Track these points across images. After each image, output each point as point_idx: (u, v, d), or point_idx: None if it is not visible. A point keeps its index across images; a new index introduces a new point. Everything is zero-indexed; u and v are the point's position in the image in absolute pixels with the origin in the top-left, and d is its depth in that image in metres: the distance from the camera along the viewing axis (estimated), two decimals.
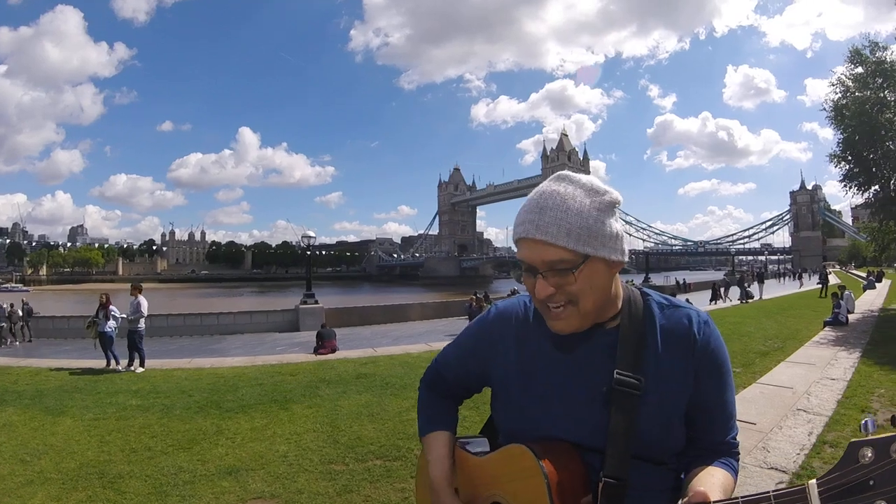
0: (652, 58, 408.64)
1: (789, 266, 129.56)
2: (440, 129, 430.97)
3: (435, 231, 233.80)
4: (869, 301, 28.42)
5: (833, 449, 5.65)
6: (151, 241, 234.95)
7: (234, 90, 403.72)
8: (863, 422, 0.96)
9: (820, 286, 35.72)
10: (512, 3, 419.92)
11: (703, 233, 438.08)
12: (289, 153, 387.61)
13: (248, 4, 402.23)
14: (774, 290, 45.58)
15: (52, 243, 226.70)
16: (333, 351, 15.99)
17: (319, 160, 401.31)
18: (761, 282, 37.97)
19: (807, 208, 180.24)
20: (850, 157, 23.47)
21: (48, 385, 10.81)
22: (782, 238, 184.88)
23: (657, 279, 69.38)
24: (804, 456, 5.56)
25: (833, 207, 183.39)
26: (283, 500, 4.94)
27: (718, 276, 68.30)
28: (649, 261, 68.45)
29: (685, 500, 1.11)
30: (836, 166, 24.24)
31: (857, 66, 23.20)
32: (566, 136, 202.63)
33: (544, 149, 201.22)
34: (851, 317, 18.61)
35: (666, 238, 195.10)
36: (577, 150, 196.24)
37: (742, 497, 1.01)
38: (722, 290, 36.98)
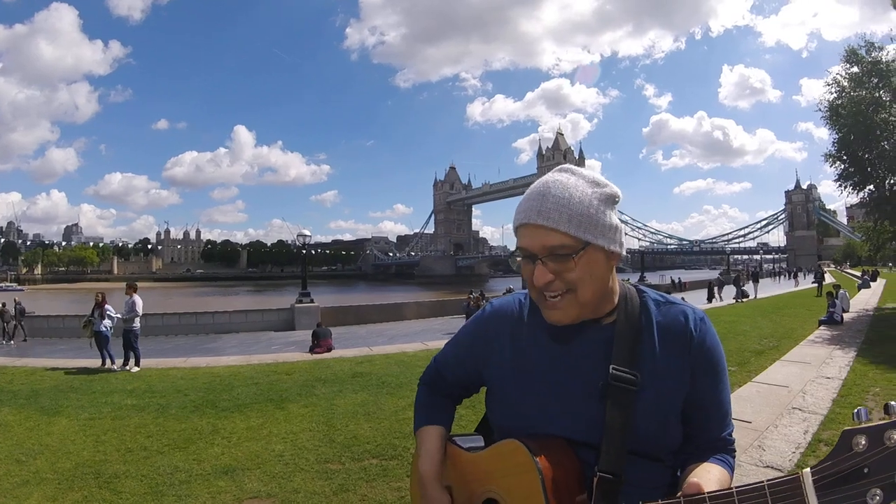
0: (647, 57, 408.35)
1: (784, 265, 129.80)
2: (436, 128, 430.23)
3: (431, 230, 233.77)
4: (864, 300, 28.58)
5: (829, 447, 5.66)
6: (146, 240, 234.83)
7: (230, 88, 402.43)
8: (856, 410, 0.96)
9: (815, 285, 35.82)
10: (507, 3, 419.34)
11: (699, 232, 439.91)
12: (284, 152, 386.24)
13: (244, 2, 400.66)
14: (770, 289, 45.75)
15: (46, 242, 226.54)
16: (329, 350, 16.00)
17: (315, 159, 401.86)
18: (756, 281, 38.11)
19: (802, 208, 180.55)
20: (845, 157, 23.48)
21: (43, 385, 10.79)
22: (777, 237, 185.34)
23: (653, 278, 69.65)
24: (800, 454, 5.58)
25: (828, 207, 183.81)
26: (280, 499, 4.94)
27: (714, 275, 68.42)
28: (645, 260, 68.71)
29: (680, 492, 1.11)
30: (831, 166, 24.24)
31: (852, 66, 23.21)
32: (562, 135, 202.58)
33: (540, 148, 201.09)
34: (846, 316, 18.66)
35: (661, 237, 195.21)
36: (572, 149, 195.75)
37: (736, 487, 1.01)
38: (716, 289, 36.98)
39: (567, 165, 1.41)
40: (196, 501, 4.93)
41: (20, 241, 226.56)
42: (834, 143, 23.77)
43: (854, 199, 26.48)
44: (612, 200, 1.36)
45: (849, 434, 0.92)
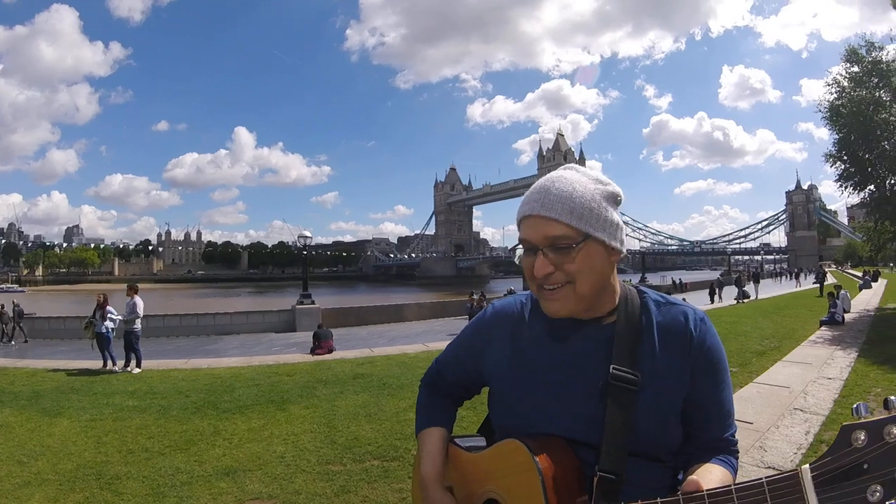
0: (648, 58, 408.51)
1: (785, 266, 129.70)
2: (436, 129, 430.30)
3: (431, 231, 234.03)
4: (865, 300, 28.54)
5: None
6: (147, 242, 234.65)
7: (230, 90, 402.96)
8: (855, 406, 0.95)
9: (817, 285, 35.78)
10: (507, 3, 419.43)
11: (700, 233, 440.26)
12: (285, 153, 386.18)
13: (244, 3, 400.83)
14: (771, 289, 45.71)
15: (47, 244, 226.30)
16: (330, 351, 15.97)
17: (315, 160, 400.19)
18: (757, 281, 38.05)
19: (802, 208, 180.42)
20: (845, 157, 23.49)
21: (45, 386, 10.80)
22: (778, 238, 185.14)
23: (653, 279, 69.52)
24: (801, 455, 5.58)
25: (829, 207, 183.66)
26: (281, 500, 4.95)
27: (715, 275, 68.35)
28: (646, 261, 68.53)
29: (680, 489, 1.11)
30: (831, 166, 24.26)
31: (853, 66, 23.21)
32: (562, 135, 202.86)
33: (540, 149, 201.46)
34: (847, 316, 18.64)
35: (662, 238, 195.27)
36: (573, 150, 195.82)
37: (735, 484, 1.01)
38: (716, 289, 36.87)
39: (571, 164, 1.45)
40: (197, 503, 4.94)
41: (21, 243, 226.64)
42: (834, 143, 23.81)
43: (855, 199, 26.53)
44: (614, 198, 1.39)
45: (848, 429, 0.92)
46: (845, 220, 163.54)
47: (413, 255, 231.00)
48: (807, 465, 0.94)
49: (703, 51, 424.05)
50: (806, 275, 69.57)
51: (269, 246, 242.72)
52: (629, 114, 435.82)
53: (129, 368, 13.09)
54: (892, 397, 0.91)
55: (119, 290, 17.38)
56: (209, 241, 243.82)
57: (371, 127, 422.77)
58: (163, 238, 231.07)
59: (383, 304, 37.06)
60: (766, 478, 0.96)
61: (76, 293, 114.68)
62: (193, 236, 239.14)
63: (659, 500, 1.09)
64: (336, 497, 4.98)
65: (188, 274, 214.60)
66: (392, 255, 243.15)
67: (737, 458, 1.42)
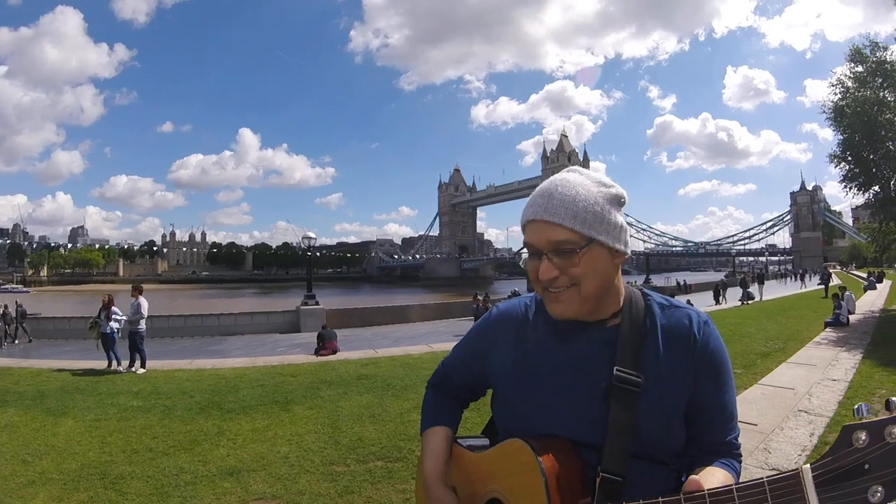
0: (651, 59, 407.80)
1: (790, 267, 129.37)
2: (440, 131, 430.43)
3: (435, 232, 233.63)
4: (870, 302, 28.43)
5: None
6: (152, 242, 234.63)
7: (235, 92, 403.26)
8: (856, 406, 0.96)
9: (822, 287, 35.70)
10: (510, 4, 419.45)
11: (704, 234, 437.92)
12: (289, 154, 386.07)
13: (249, 6, 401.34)
14: (776, 290, 45.61)
15: (52, 244, 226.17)
16: (334, 352, 15.96)
17: (320, 161, 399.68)
18: (761, 283, 37.94)
19: (807, 209, 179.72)
20: (849, 158, 23.48)
21: (49, 386, 10.82)
22: (783, 239, 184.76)
23: (658, 280, 69.45)
24: (805, 457, 5.57)
25: (833, 208, 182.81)
26: (285, 500, 4.95)
27: (719, 277, 68.17)
28: (650, 262, 68.38)
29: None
30: (836, 167, 24.28)
31: (857, 65, 23.19)
32: (566, 137, 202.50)
33: (544, 150, 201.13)
34: (852, 317, 18.61)
35: (666, 239, 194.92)
36: (577, 151, 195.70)
37: (736, 484, 1.01)
38: (721, 291, 36.68)
39: (574, 167, 1.45)
40: (201, 502, 4.95)
41: (26, 243, 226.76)
42: (839, 144, 23.83)
43: (859, 200, 26.46)
44: (617, 201, 1.39)
45: (849, 429, 0.92)
46: (850, 221, 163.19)
47: (417, 256, 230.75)
48: (807, 465, 0.94)
49: (707, 51, 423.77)
50: (811, 276, 69.39)
51: (274, 247, 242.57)
52: (633, 115, 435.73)
53: (133, 369, 13.12)
54: (894, 398, 0.91)
55: (124, 291, 17.40)
56: (214, 242, 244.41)
57: (375, 128, 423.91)
58: (167, 239, 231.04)
59: (387, 305, 37.07)
60: (766, 477, 0.97)
61: (81, 294, 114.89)
62: (198, 237, 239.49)
63: (660, 499, 1.09)
64: (340, 497, 4.98)
65: (193, 275, 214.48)
66: (396, 257, 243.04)
67: (740, 462, 1.42)
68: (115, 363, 13.51)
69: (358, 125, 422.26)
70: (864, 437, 0.89)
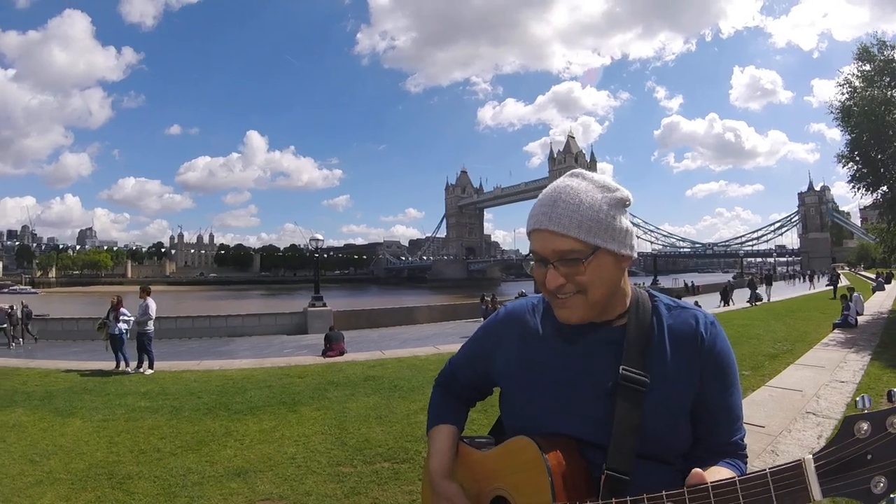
0: (658, 59, 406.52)
1: (798, 268, 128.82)
2: (447, 132, 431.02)
3: (442, 234, 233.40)
4: (878, 303, 28.33)
5: None
6: (160, 244, 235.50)
7: (242, 94, 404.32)
8: (858, 398, 0.96)
9: (830, 287, 35.55)
10: (515, 6, 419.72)
11: (712, 234, 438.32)
12: (296, 156, 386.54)
13: (256, 9, 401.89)
14: (784, 291, 45.46)
15: (61, 246, 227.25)
16: (341, 353, 15.97)
17: (327, 163, 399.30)
18: (769, 284, 37.81)
19: (815, 210, 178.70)
20: (857, 158, 23.37)
21: (58, 386, 10.86)
22: (791, 240, 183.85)
23: (665, 281, 69.13)
24: None
25: (842, 208, 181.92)
26: (291, 501, 4.96)
27: (727, 278, 67.90)
28: (657, 263, 67.94)
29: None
30: (843, 167, 24.15)
31: (865, 64, 23.08)
32: (573, 138, 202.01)
33: (551, 151, 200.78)
34: (860, 319, 18.49)
35: (674, 240, 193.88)
36: (583, 152, 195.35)
37: (739, 476, 1.02)
38: (728, 292, 36.36)
39: (578, 170, 1.44)
40: (208, 503, 4.96)
41: (35, 245, 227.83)
42: (846, 144, 23.70)
43: (868, 200, 26.34)
44: (622, 204, 1.39)
45: (851, 420, 0.93)
46: (858, 222, 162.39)
47: (424, 257, 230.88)
48: (810, 456, 0.95)
49: (714, 52, 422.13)
50: (819, 277, 69.14)
51: (281, 249, 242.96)
52: (640, 115, 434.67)
53: (141, 369, 13.16)
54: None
55: (132, 292, 17.48)
56: (221, 244, 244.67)
57: (382, 130, 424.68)
58: (175, 241, 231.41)
59: (394, 306, 36.96)
60: (769, 469, 0.97)
61: (89, 295, 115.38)
62: (206, 239, 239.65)
63: (664, 493, 1.10)
64: (346, 498, 4.99)
65: (200, 276, 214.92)
66: (403, 258, 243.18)
67: (745, 463, 1.42)
68: (123, 364, 13.57)
69: (365, 127, 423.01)
70: (866, 428, 0.90)
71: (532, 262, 1.41)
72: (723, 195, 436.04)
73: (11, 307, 24.15)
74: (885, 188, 24.01)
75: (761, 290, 35.32)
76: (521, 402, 1.48)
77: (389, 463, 5.89)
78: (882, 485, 0.88)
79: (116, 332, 13.88)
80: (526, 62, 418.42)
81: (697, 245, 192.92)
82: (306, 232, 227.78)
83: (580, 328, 1.42)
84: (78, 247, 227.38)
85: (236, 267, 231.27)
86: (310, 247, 33.45)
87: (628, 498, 1.17)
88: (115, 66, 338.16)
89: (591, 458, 1.33)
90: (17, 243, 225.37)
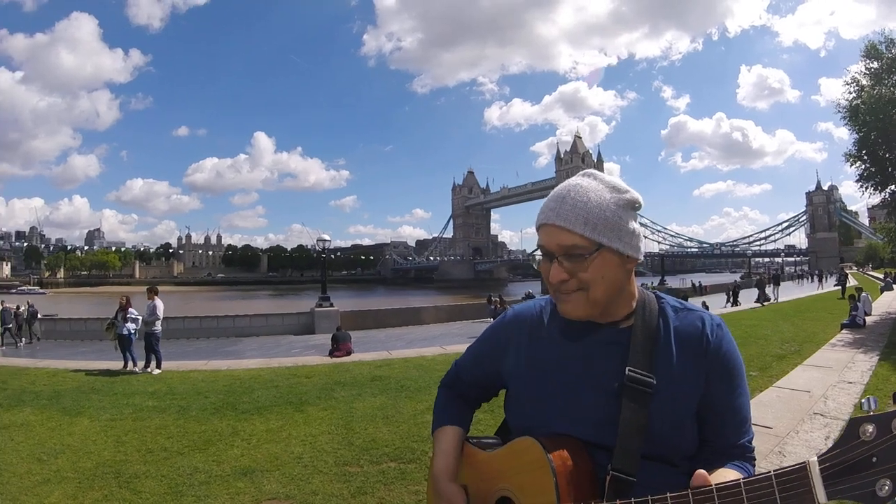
0: (665, 59, 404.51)
1: (806, 268, 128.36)
2: (453, 133, 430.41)
3: (449, 234, 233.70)
4: (886, 303, 28.20)
5: None
6: (168, 245, 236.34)
7: (250, 95, 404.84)
8: (863, 399, 0.96)
9: (838, 288, 35.41)
10: (522, 6, 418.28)
11: (719, 234, 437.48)
12: (303, 157, 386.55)
13: (262, 10, 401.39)
14: (792, 291, 45.31)
15: (69, 247, 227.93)
16: (348, 353, 16.00)
17: (334, 164, 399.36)
18: (777, 284, 37.65)
19: (823, 209, 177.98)
20: (865, 157, 23.22)
21: (65, 386, 10.91)
22: (799, 239, 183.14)
23: (673, 281, 69.13)
24: None
25: (850, 208, 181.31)
26: (298, 501, 4.97)
27: (735, 278, 67.73)
28: (665, 263, 68.00)
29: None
30: (851, 166, 24.00)
31: (872, 61, 22.96)
32: (580, 138, 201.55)
33: (558, 151, 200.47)
34: (869, 319, 18.41)
35: (681, 240, 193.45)
36: (590, 152, 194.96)
37: (744, 478, 1.01)
38: (731, 293, 36.20)
39: (590, 171, 1.45)
40: (215, 502, 4.97)
41: (43, 246, 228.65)
42: (854, 143, 23.55)
43: (876, 199, 26.21)
44: (631, 206, 1.40)
45: (856, 422, 0.92)
46: (866, 221, 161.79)
47: (431, 258, 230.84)
48: (814, 458, 0.94)
49: (721, 51, 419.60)
50: (827, 277, 68.88)
51: (289, 249, 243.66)
52: (647, 115, 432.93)
53: (149, 369, 13.21)
54: None
55: (140, 293, 17.50)
56: (229, 245, 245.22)
57: (389, 131, 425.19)
58: (183, 241, 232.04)
59: (401, 306, 37.05)
60: (774, 471, 0.97)
61: (97, 295, 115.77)
62: (213, 240, 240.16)
63: (668, 494, 1.09)
64: (353, 498, 4.99)
65: (208, 277, 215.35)
66: (410, 259, 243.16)
67: (753, 465, 1.42)
68: (130, 364, 13.61)
69: (372, 128, 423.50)
70: (871, 430, 0.90)
71: (539, 258, 1.43)
72: (730, 195, 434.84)
73: (18, 307, 24.31)
74: (893, 187, 23.90)
75: (769, 290, 35.13)
76: (527, 403, 1.48)
77: (396, 463, 5.89)
78: (887, 488, 0.87)
79: (125, 332, 13.93)
80: (532, 62, 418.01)
81: (705, 245, 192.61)
82: (313, 232, 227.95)
83: (587, 329, 1.43)
84: (86, 247, 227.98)
85: (244, 267, 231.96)
86: (317, 247, 33.61)
87: (633, 499, 1.17)
88: (123, 68, 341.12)
89: (597, 459, 1.33)
90: (25, 244, 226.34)
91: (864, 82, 22.93)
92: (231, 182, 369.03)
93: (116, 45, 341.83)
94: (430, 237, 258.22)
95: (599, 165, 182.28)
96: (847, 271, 56.30)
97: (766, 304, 31.78)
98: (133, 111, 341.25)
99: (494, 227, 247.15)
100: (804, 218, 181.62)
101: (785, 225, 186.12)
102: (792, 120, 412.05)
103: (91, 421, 8.06)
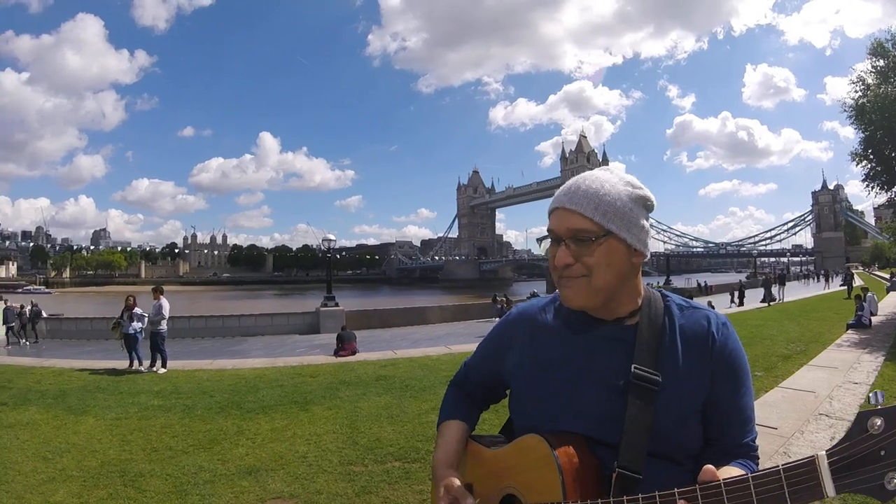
0: (670, 58, 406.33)
1: (811, 268, 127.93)
2: (458, 133, 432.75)
3: (454, 234, 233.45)
4: (892, 303, 28.12)
5: None
6: (173, 245, 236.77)
7: (254, 96, 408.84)
8: (871, 393, 0.96)
9: (844, 287, 35.27)
10: (527, 6, 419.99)
11: (725, 234, 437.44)
12: (309, 157, 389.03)
13: (267, 11, 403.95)
14: (798, 291, 45.17)
15: (75, 246, 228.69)
16: (353, 353, 16.00)
17: (339, 164, 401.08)
18: (783, 284, 37.51)
19: (829, 209, 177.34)
20: (871, 156, 23.15)
21: (71, 385, 10.94)
22: (805, 239, 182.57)
23: (678, 281, 68.84)
24: None
25: (855, 207, 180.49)
26: (302, 500, 4.97)
27: (740, 278, 67.53)
28: (670, 263, 67.65)
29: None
30: (857, 165, 23.95)
31: (879, 59, 22.86)
32: (585, 137, 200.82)
33: (563, 151, 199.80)
34: (875, 319, 18.35)
35: (687, 240, 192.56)
36: (596, 151, 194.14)
37: (752, 473, 1.01)
38: (736, 293, 35.81)
39: (607, 167, 1.50)
40: (220, 501, 4.98)
41: (49, 246, 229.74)
42: (860, 142, 23.49)
43: (882, 198, 26.11)
44: (643, 203, 1.42)
45: (864, 416, 0.92)
46: (872, 221, 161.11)
47: (436, 257, 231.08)
48: (823, 452, 0.94)
49: (726, 50, 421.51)
50: (833, 277, 68.67)
51: (294, 249, 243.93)
52: (652, 114, 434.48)
53: (154, 368, 13.26)
54: None
55: (145, 292, 17.55)
56: (234, 245, 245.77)
57: (394, 131, 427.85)
58: (189, 241, 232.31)
59: (406, 306, 36.92)
60: (782, 465, 0.97)
61: (103, 295, 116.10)
62: (219, 239, 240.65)
63: (676, 490, 1.09)
64: (357, 497, 5.00)
65: (214, 276, 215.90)
66: (415, 258, 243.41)
67: (757, 464, 1.41)
68: (136, 363, 13.66)
69: (377, 128, 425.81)
70: (879, 423, 0.89)
71: (547, 243, 1.43)
72: (736, 194, 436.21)
73: (22, 306, 24.40)
74: None
75: (774, 289, 34.99)
76: (531, 401, 1.48)
77: (400, 462, 5.89)
78: None
79: (131, 332, 13.95)
80: (537, 62, 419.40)
81: (710, 245, 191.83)
82: (319, 232, 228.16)
83: (591, 326, 1.43)
84: (92, 247, 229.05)
85: (249, 267, 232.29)
86: (322, 247, 33.54)
87: (640, 496, 1.17)
88: (128, 68, 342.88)
89: (602, 456, 1.33)
90: (31, 244, 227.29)
91: (870, 81, 22.84)
92: (236, 182, 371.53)
93: (122, 45, 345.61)
94: (435, 237, 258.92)
95: (604, 165, 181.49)
96: (853, 271, 56.17)
97: (772, 304, 31.67)
98: (139, 112, 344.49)
99: (499, 227, 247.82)
100: (810, 217, 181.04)
101: (790, 224, 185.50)
102: (797, 119, 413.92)
103: (96, 420, 8.09)
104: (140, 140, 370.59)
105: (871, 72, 22.99)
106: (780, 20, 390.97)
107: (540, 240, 1.47)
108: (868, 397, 0.96)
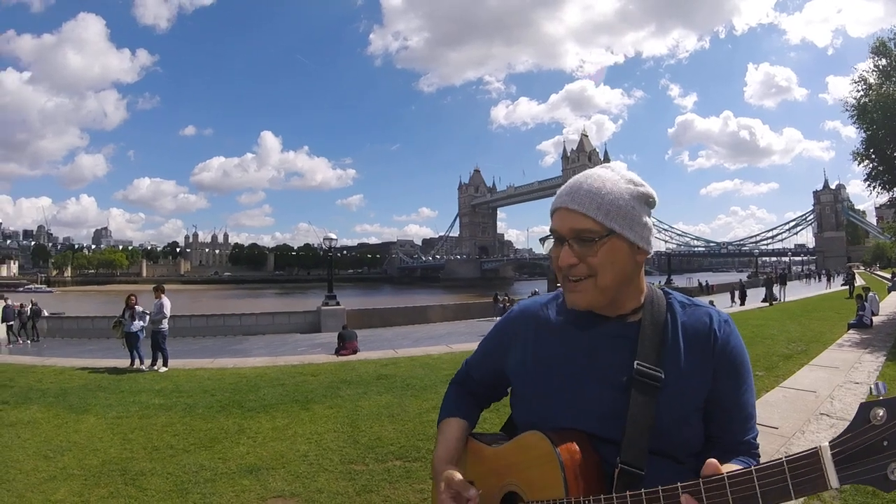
0: (672, 57, 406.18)
1: (813, 267, 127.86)
2: (460, 132, 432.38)
3: (455, 233, 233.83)
4: (894, 303, 28.09)
5: None
6: (175, 244, 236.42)
7: (256, 95, 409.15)
8: (874, 384, 0.96)
9: (846, 287, 35.22)
10: (529, 5, 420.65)
11: (726, 233, 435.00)
12: (310, 156, 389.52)
13: (269, 10, 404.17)
14: (799, 291, 45.14)
15: (76, 245, 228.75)
16: (354, 352, 16.03)
17: (341, 163, 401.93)
18: (784, 283, 37.48)
19: (830, 208, 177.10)
20: (873, 156, 23.14)
21: (72, 384, 10.95)
22: (806, 238, 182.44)
23: (679, 281, 68.95)
24: None
25: (857, 207, 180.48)
26: (303, 498, 4.97)
27: (741, 277, 67.51)
28: (671, 262, 67.59)
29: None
30: (859, 165, 23.97)
31: (881, 58, 22.84)
32: (586, 136, 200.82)
33: (564, 150, 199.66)
34: (876, 319, 18.33)
35: (688, 239, 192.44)
36: (597, 150, 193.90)
37: (755, 466, 1.01)
38: (737, 293, 36.04)
39: (608, 164, 1.49)
40: (221, 499, 4.97)
41: (50, 245, 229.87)
42: (862, 141, 23.50)
43: (883, 198, 26.09)
44: (645, 200, 1.41)
45: (867, 407, 0.92)
46: (874, 221, 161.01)
47: (437, 256, 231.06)
48: (826, 443, 0.94)
49: (728, 49, 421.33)
50: (834, 276, 68.62)
51: (295, 248, 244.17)
52: (654, 114, 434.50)
53: (155, 367, 13.26)
54: None
55: (147, 291, 17.55)
56: (236, 244, 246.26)
57: (395, 130, 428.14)
58: (190, 240, 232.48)
59: (407, 305, 36.96)
60: (785, 457, 0.97)
61: (105, 294, 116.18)
62: (220, 238, 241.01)
63: (679, 484, 1.09)
64: (358, 496, 4.99)
65: (215, 275, 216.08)
66: (416, 257, 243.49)
67: (758, 462, 1.39)
68: (137, 362, 13.65)
69: (378, 127, 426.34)
70: (882, 414, 0.90)
71: (550, 243, 1.43)
72: (737, 194, 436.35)
73: (21, 305, 24.45)
74: None
75: (775, 289, 34.96)
76: (533, 399, 1.47)
77: (401, 461, 5.89)
78: None
79: (132, 330, 13.94)
80: (539, 61, 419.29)
81: (712, 244, 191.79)
82: (320, 231, 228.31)
83: (594, 323, 1.43)
84: (93, 246, 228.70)
85: (250, 266, 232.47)
86: (323, 246, 33.54)
87: (643, 490, 1.17)
88: (130, 68, 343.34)
89: (604, 453, 1.33)
90: (32, 243, 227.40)
91: (872, 80, 22.84)
92: (238, 181, 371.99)
93: (123, 45, 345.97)
94: (437, 236, 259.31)
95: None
96: (854, 271, 56.11)
97: (773, 303, 31.64)
98: (140, 111, 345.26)
99: (501, 226, 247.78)
100: (811, 217, 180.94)
101: (792, 224, 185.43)
102: (799, 118, 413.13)
103: (97, 418, 8.08)
104: (141, 139, 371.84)
105: (873, 71, 23.00)
106: (781, 19, 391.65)
107: (543, 240, 1.47)
108: (870, 388, 0.96)
